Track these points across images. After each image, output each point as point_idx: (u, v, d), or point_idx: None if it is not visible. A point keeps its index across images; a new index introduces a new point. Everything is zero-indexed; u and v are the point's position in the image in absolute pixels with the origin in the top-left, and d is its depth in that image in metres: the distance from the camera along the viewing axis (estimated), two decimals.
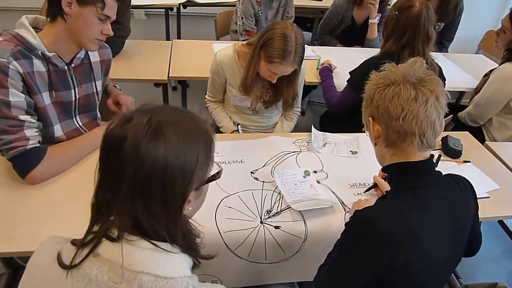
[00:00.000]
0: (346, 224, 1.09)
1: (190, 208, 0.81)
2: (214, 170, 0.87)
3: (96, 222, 0.78)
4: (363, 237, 1.01)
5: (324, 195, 1.54)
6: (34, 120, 1.40)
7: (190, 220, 0.84)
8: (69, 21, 1.38)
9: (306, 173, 1.64)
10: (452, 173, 1.20)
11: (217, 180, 1.63)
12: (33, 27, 1.42)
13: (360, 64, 2.18)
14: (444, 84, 2.21)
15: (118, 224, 0.75)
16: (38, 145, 1.40)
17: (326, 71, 2.48)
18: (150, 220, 0.74)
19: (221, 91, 2.14)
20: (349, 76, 2.22)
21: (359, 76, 2.13)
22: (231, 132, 2.13)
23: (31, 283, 0.79)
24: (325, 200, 1.50)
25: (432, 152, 1.87)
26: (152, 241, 0.75)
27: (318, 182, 1.61)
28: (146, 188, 0.72)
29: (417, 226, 1.00)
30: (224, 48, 2.04)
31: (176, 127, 0.75)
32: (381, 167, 1.17)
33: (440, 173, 1.12)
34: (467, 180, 1.20)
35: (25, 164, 1.39)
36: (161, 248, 0.76)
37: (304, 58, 1.86)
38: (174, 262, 0.77)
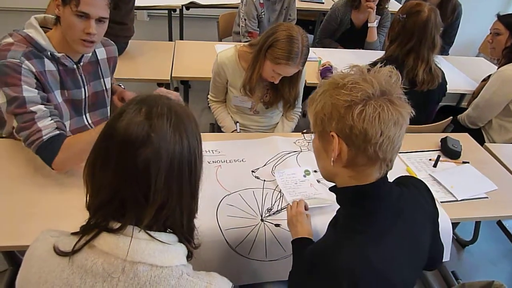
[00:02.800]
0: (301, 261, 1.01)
1: None
2: None
3: (100, 217, 0.79)
4: (319, 274, 0.93)
5: (324, 194, 1.56)
6: (46, 109, 1.38)
7: None
8: (61, 23, 1.41)
9: (306, 173, 1.66)
10: (401, 176, 1.14)
11: (218, 179, 1.67)
12: (42, 26, 1.45)
13: None
14: (446, 88, 2.22)
15: (146, 215, 0.76)
16: (56, 132, 1.38)
17: (327, 72, 2.51)
18: (178, 202, 0.80)
19: (222, 92, 2.17)
20: None
21: None
22: (232, 132, 2.15)
23: (29, 276, 0.80)
24: (324, 199, 1.52)
25: (431, 153, 1.89)
26: (150, 232, 0.77)
27: (318, 181, 1.63)
28: (180, 172, 0.78)
29: (374, 257, 0.91)
30: (225, 49, 2.07)
31: (184, 113, 0.82)
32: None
33: (391, 186, 1.02)
34: (420, 182, 1.13)
35: (45, 155, 1.38)
36: (157, 240, 0.78)
37: None
38: (170, 252, 0.79)
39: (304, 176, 1.64)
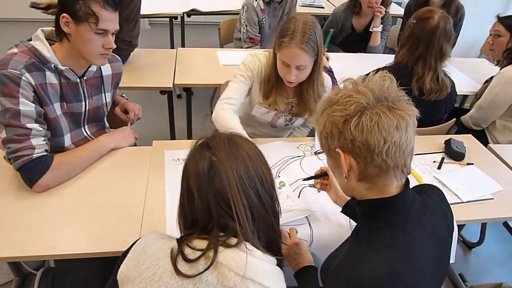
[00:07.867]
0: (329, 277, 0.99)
1: None
2: None
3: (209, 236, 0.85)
4: None
5: (302, 205, 1.52)
6: (41, 129, 1.41)
7: None
8: (71, 40, 1.41)
9: (281, 184, 1.62)
10: (421, 184, 1.14)
11: None
12: (49, 39, 1.45)
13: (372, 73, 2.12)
14: (455, 99, 2.21)
15: (240, 228, 0.84)
16: (45, 153, 1.41)
17: (329, 73, 2.31)
18: (261, 207, 0.88)
19: (243, 92, 1.85)
20: None
21: None
22: None
23: (140, 270, 0.84)
24: (302, 210, 1.49)
25: (435, 155, 1.88)
26: (263, 252, 0.85)
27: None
28: (250, 180, 0.87)
29: (402, 270, 0.89)
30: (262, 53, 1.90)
31: (243, 142, 0.94)
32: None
33: (414, 196, 1.00)
34: (436, 188, 1.12)
35: (32, 173, 1.39)
36: (268, 262, 0.86)
37: None
38: (277, 276, 0.87)
39: (279, 188, 1.60)
